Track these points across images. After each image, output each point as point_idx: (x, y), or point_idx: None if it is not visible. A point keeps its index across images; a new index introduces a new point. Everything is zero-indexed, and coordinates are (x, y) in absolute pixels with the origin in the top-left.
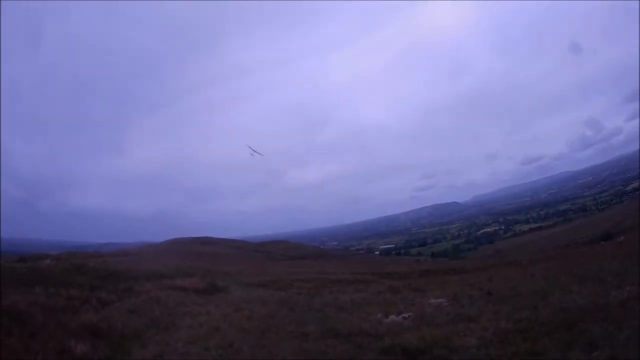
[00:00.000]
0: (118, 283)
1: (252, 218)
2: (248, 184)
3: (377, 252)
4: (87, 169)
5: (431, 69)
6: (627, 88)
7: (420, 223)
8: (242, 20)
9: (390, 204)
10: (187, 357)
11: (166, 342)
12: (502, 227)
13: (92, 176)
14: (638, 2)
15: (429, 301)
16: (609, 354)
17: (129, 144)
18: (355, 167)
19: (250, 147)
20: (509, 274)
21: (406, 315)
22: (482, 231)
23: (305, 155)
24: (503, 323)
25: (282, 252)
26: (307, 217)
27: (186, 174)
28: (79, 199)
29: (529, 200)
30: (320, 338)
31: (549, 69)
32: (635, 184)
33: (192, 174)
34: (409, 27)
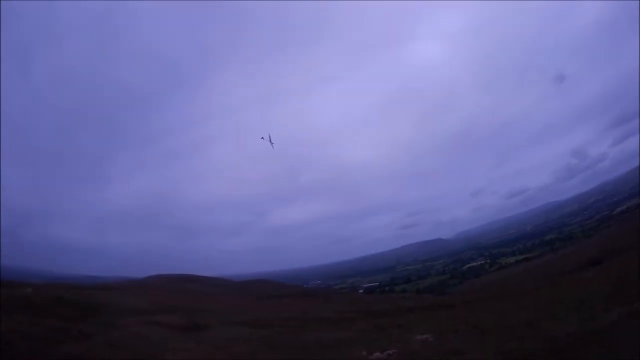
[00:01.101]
0: (99, 316)
1: (235, 257)
2: (233, 222)
3: (361, 291)
4: (73, 201)
5: (417, 108)
6: (611, 114)
7: (405, 260)
8: (229, 58)
9: (375, 242)
10: None
11: None
12: (488, 260)
13: (77, 208)
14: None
15: (414, 337)
16: None
17: (115, 178)
18: (340, 206)
19: (268, 138)
20: (495, 306)
21: (391, 352)
22: (467, 266)
23: (290, 194)
24: (490, 356)
25: (265, 291)
26: (291, 256)
27: (171, 211)
28: (63, 230)
29: (515, 233)
30: None
31: (534, 101)
32: (622, 208)
33: (176, 211)
34: (395, 66)
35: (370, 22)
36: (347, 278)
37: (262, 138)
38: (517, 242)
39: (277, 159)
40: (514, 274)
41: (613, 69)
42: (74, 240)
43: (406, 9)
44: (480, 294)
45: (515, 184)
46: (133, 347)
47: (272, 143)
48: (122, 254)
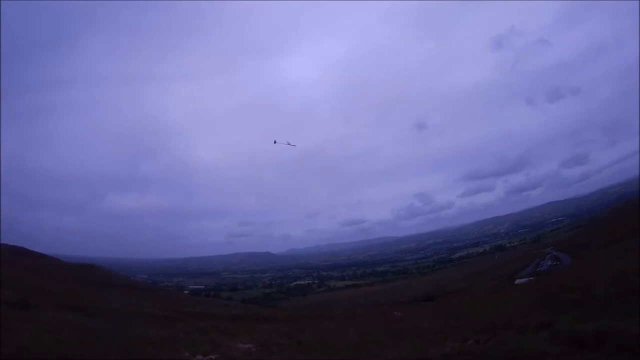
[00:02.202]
0: None
1: (68, 236)
2: (68, 200)
3: (187, 292)
4: None
5: (270, 122)
6: (467, 168)
7: (232, 268)
8: (93, 26)
9: (205, 245)
10: None
11: None
12: (316, 281)
13: None
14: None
15: (237, 345)
16: None
17: None
18: (176, 203)
19: (285, 142)
20: (321, 325)
21: (213, 357)
22: (295, 283)
23: (128, 181)
24: None
25: (95, 277)
26: (120, 245)
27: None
28: None
29: (346, 259)
30: None
31: (389, 141)
32: (461, 253)
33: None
34: (258, 76)
35: (246, 28)
36: (173, 277)
37: (275, 142)
38: (347, 268)
39: (122, 142)
40: (342, 297)
41: (478, 130)
42: None
43: (285, 22)
44: (306, 311)
45: (354, 213)
46: None
47: (291, 145)
48: None
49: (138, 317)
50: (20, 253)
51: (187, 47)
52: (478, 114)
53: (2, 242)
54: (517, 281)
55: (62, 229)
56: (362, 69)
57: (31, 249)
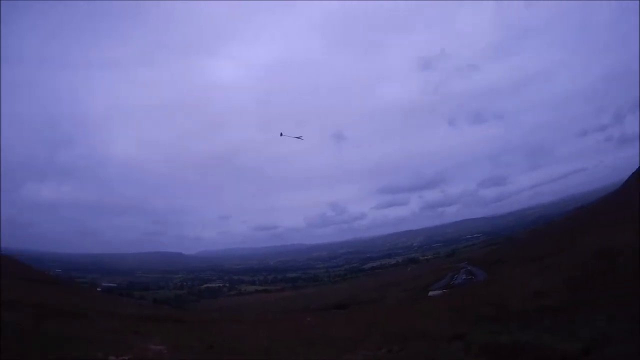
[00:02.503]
0: None
1: None
2: None
3: (99, 289)
4: None
5: (191, 121)
6: (382, 182)
7: (145, 267)
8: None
9: (120, 241)
10: None
11: None
12: (227, 284)
13: None
14: None
15: (149, 347)
16: None
17: None
18: (93, 196)
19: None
20: (232, 329)
21: (126, 358)
22: (206, 285)
23: (45, 169)
24: None
25: (10, 270)
26: (37, 237)
27: None
28: None
29: (257, 264)
30: None
31: (306, 149)
32: (373, 264)
33: None
34: (188, 74)
35: (175, 24)
36: (87, 273)
37: (282, 134)
38: (259, 273)
39: (39, 129)
40: (253, 302)
41: (397, 146)
42: None
43: (215, 23)
44: (217, 314)
45: (268, 218)
46: None
47: (298, 137)
48: None
49: (53, 313)
50: None
51: (112, 35)
52: (398, 130)
53: None
54: (431, 293)
55: None
56: (287, 76)
57: None
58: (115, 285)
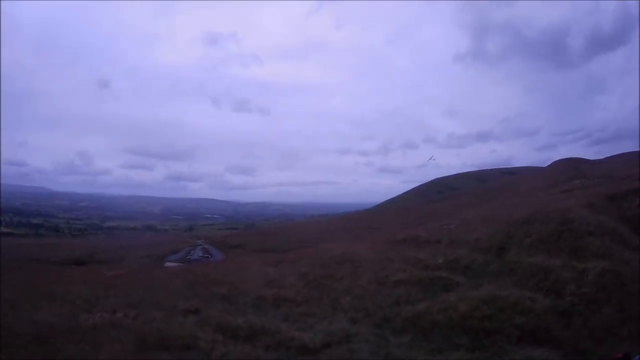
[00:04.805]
0: None
1: None
2: None
3: None
4: None
5: None
6: (134, 142)
7: None
8: None
9: None
10: None
11: None
12: None
13: None
14: None
15: None
16: None
17: None
18: None
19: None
20: None
21: None
22: None
23: None
24: None
25: None
26: None
27: None
28: None
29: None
30: None
31: (68, 90)
32: (112, 223)
33: None
34: None
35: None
36: None
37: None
38: (5, 214)
39: None
40: None
41: (155, 109)
42: None
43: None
44: None
45: (18, 153)
46: None
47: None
48: None
49: None
50: None
51: None
52: (163, 94)
53: None
54: (167, 264)
55: None
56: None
57: None
58: None
